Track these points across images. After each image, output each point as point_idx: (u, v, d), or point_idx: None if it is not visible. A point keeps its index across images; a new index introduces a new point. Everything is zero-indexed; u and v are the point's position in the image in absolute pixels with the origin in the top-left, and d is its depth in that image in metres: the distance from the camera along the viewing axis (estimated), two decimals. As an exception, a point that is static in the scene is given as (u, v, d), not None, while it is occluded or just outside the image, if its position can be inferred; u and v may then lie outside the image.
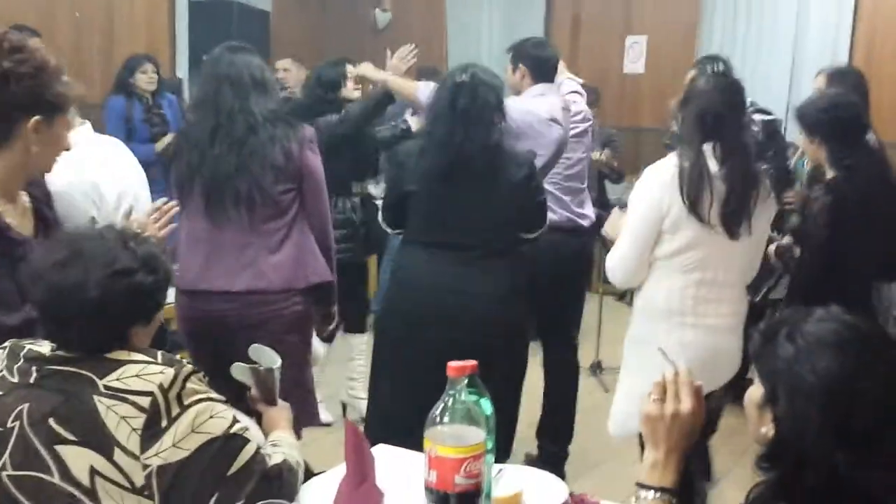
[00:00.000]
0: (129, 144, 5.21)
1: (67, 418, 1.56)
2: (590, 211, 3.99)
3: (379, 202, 5.05)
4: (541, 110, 3.58)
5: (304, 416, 2.73)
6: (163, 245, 2.26)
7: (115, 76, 5.44)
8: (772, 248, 3.19)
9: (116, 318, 1.62)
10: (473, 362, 1.68)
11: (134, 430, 1.54)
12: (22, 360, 1.63)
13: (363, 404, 4.28)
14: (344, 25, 8.34)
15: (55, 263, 1.62)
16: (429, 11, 8.22)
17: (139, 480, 1.55)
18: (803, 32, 6.86)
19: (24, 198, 2.04)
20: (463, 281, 2.89)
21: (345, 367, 4.46)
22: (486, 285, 2.90)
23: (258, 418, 1.99)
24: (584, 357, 5.24)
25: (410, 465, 1.84)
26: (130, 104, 5.32)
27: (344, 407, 4.44)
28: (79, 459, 1.56)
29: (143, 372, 1.57)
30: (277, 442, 1.83)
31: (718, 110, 2.60)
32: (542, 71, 3.71)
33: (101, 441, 1.54)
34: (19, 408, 1.59)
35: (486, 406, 1.70)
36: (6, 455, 1.59)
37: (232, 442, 1.60)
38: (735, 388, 2.86)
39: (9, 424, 1.59)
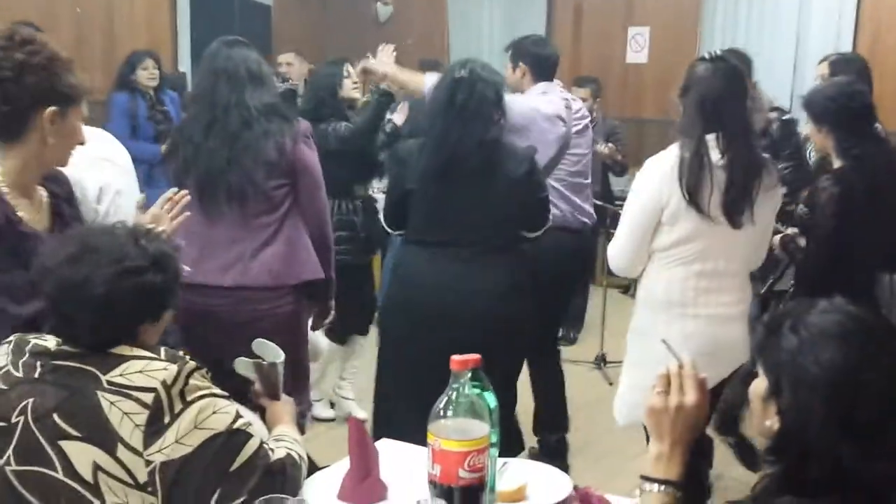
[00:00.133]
0: (135, 142, 5.27)
1: (71, 414, 1.57)
2: (591, 208, 3.98)
3: (379, 201, 5.06)
4: (545, 108, 3.58)
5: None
6: (176, 234, 2.26)
7: (116, 72, 5.43)
8: (776, 239, 3.18)
9: (123, 315, 1.62)
10: (477, 356, 1.68)
11: (137, 426, 1.54)
12: (27, 355, 1.64)
13: (349, 404, 4.29)
14: (345, 19, 8.33)
15: (65, 258, 1.63)
16: (430, 4, 8.20)
17: (142, 477, 1.55)
18: (806, 21, 6.84)
19: (42, 193, 2.04)
20: (463, 279, 2.89)
21: (371, 369, 4.45)
22: (485, 282, 2.90)
23: (262, 413, 1.99)
24: (589, 350, 5.26)
25: (414, 460, 1.84)
26: (134, 101, 5.31)
27: (331, 404, 4.43)
28: (82, 455, 1.56)
29: (146, 368, 1.57)
30: (281, 437, 1.83)
31: (718, 97, 2.58)
32: (543, 69, 3.70)
33: (104, 437, 1.55)
34: (24, 403, 1.59)
35: (490, 399, 1.70)
36: (10, 450, 1.59)
37: (235, 437, 1.60)
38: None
39: (13, 419, 1.60)
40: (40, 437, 1.57)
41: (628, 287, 6.46)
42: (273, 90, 2.83)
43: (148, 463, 1.54)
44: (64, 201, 2.11)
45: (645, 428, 2.04)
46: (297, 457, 1.75)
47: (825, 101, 3.04)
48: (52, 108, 1.91)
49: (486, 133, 2.84)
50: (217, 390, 1.63)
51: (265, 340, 2.06)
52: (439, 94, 2.91)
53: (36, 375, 1.61)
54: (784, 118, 4.18)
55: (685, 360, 1.52)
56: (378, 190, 5.63)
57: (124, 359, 1.59)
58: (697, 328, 2.62)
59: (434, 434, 1.63)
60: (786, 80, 6.75)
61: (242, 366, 2.00)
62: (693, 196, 2.54)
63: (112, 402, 1.55)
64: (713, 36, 7.16)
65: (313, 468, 1.92)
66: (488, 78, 2.89)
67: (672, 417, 1.48)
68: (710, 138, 2.58)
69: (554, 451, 3.75)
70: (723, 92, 2.59)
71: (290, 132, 2.73)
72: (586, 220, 3.88)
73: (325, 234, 2.89)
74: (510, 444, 2.97)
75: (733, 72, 2.66)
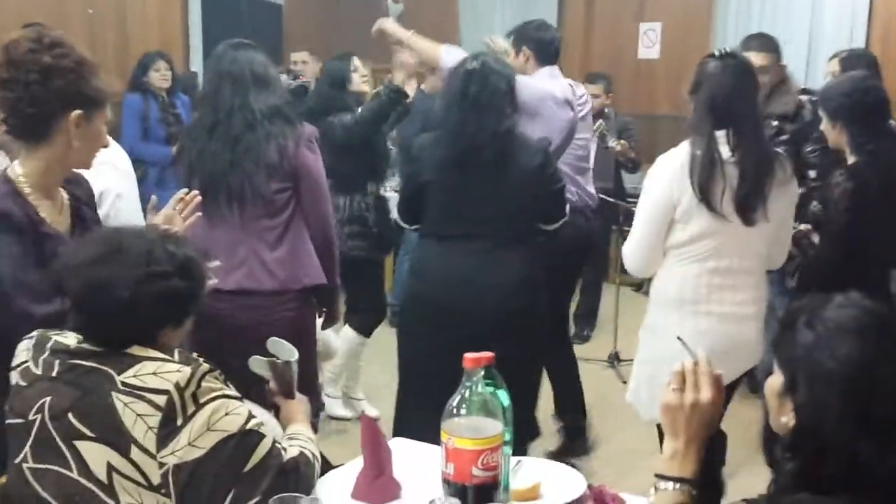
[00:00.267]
0: (146, 144, 5.28)
1: (86, 414, 1.57)
2: (593, 190, 4.02)
3: (389, 196, 5.05)
4: (556, 91, 3.58)
5: None
6: (186, 234, 2.27)
7: (129, 73, 5.45)
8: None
9: (145, 319, 1.63)
10: (490, 354, 1.67)
11: (150, 428, 1.54)
12: (48, 352, 1.64)
13: (360, 404, 4.28)
14: (356, 17, 8.30)
15: (91, 258, 1.63)
16: (441, 2, 8.19)
17: (156, 478, 1.55)
18: (819, 18, 6.81)
19: (63, 195, 2.05)
20: (475, 272, 2.88)
21: (376, 368, 4.44)
22: (497, 276, 2.88)
23: (276, 411, 1.99)
24: (602, 348, 5.25)
25: (427, 458, 1.84)
26: (146, 103, 5.33)
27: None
28: (96, 455, 1.56)
29: (159, 370, 1.58)
30: (294, 435, 1.83)
31: (728, 93, 2.57)
32: (546, 53, 3.69)
33: (118, 438, 1.55)
34: (41, 401, 1.60)
35: (504, 397, 1.69)
36: (27, 447, 1.61)
37: (247, 438, 1.60)
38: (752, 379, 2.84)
39: (30, 417, 1.61)
40: (56, 436, 1.58)
41: (641, 285, 6.43)
42: (279, 92, 2.81)
43: (161, 465, 1.54)
44: (84, 204, 2.12)
45: (659, 426, 2.02)
46: (310, 455, 1.75)
47: (840, 97, 3.02)
48: (77, 112, 1.92)
49: (499, 124, 2.84)
50: (229, 391, 1.63)
51: (279, 339, 2.06)
52: (452, 86, 2.90)
53: (54, 374, 1.62)
54: (815, 100, 4.15)
55: (700, 356, 1.51)
56: (391, 189, 5.64)
57: (138, 359, 1.60)
58: (710, 326, 2.60)
59: (447, 432, 1.63)
60: (798, 76, 6.68)
61: (257, 364, 2.00)
62: (705, 193, 2.53)
63: (126, 404, 1.55)
64: (725, 31, 7.12)
65: (327, 467, 1.92)
66: (500, 70, 2.90)
67: (687, 414, 1.47)
68: (720, 135, 2.56)
69: (572, 433, 3.78)
70: (732, 89, 2.58)
71: (293, 135, 2.72)
72: (590, 202, 3.94)
73: (328, 239, 2.86)
74: (527, 432, 2.97)
75: (743, 68, 2.64)
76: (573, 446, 3.78)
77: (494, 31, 8.00)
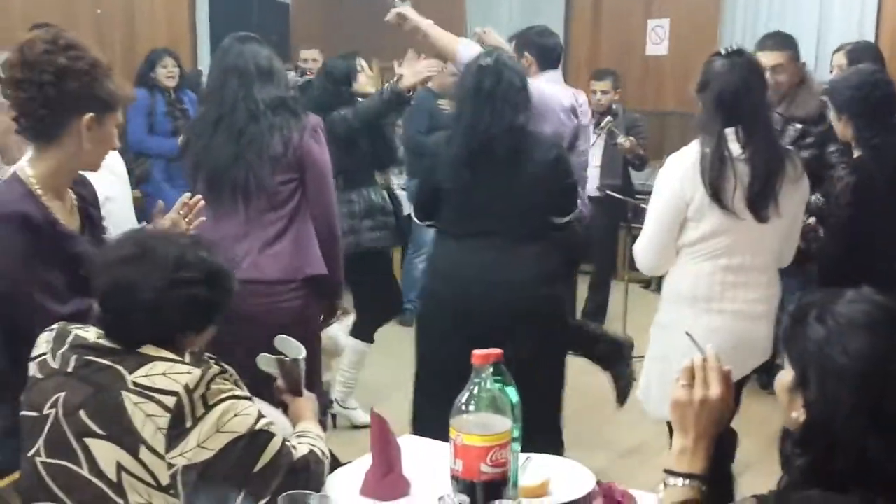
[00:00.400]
0: (152, 138, 5.29)
1: (97, 411, 1.58)
2: (587, 199, 4.04)
3: (400, 192, 5.04)
4: (563, 98, 3.58)
5: None
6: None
7: (136, 71, 5.46)
8: None
9: (167, 323, 1.63)
10: (498, 350, 1.66)
11: (159, 429, 1.54)
12: (66, 346, 1.65)
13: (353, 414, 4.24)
14: (364, 16, 8.30)
15: (121, 259, 1.64)
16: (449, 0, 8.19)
17: (164, 479, 1.55)
18: (828, 13, 6.77)
19: (72, 196, 2.06)
20: (490, 270, 2.87)
21: (381, 367, 4.41)
22: (512, 273, 2.88)
23: (284, 409, 1.99)
24: (610, 345, 5.23)
25: (436, 455, 1.84)
26: (153, 98, 5.34)
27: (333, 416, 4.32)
28: (106, 454, 1.57)
29: (170, 371, 1.58)
30: (303, 433, 1.84)
31: (736, 91, 2.56)
32: (549, 59, 3.69)
33: (127, 438, 1.56)
34: (56, 396, 1.61)
35: (512, 394, 1.69)
36: (41, 441, 1.62)
37: (257, 439, 1.60)
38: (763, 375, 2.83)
39: (45, 411, 1.62)
40: (68, 433, 1.59)
41: (649, 282, 6.41)
42: (284, 85, 2.81)
43: (170, 466, 1.55)
44: (91, 205, 2.13)
45: (669, 422, 2.02)
46: (319, 453, 1.75)
47: (848, 90, 3.00)
48: (90, 115, 1.92)
49: (514, 119, 2.84)
50: (239, 392, 1.63)
51: (287, 337, 2.06)
52: (466, 82, 2.91)
53: (69, 369, 1.63)
54: None
55: (709, 353, 1.50)
56: (398, 186, 5.64)
57: (150, 359, 1.60)
58: (723, 323, 2.60)
59: (456, 429, 1.62)
60: (806, 71, 6.69)
61: (265, 362, 2.00)
62: (716, 191, 2.52)
63: (135, 403, 1.55)
64: (734, 27, 7.09)
65: (336, 464, 1.92)
66: (514, 66, 2.91)
67: (696, 411, 1.47)
68: (730, 132, 2.56)
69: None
70: (740, 86, 2.57)
71: (298, 126, 2.72)
72: (585, 210, 3.92)
73: (332, 228, 2.87)
74: (550, 442, 2.93)
75: (750, 66, 2.64)
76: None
77: (502, 29, 7.99)
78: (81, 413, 1.58)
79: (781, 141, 2.98)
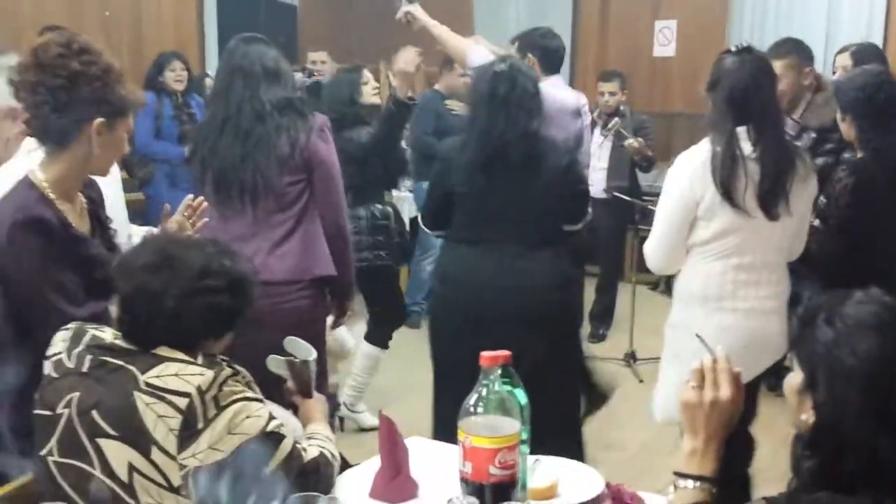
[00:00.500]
0: (158, 142, 5.29)
1: (109, 412, 1.59)
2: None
3: (404, 195, 5.03)
4: (569, 101, 3.58)
5: None
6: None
7: (144, 74, 5.47)
8: None
9: (187, 329, 1.64)
10: (506, 352, 1.66)
11: (171, 430, 1.55)
12: (83, 346, 1.66)
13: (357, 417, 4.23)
14: (371, 18, 8.32)
15: (146, 265, 1.65)
16: (456, 2, 8.18)
17: (176, 480, 1.56)
18: (836, 15, 6.75)
19: (81, 198, 2.07)
20: (504, 276, 2.86)
21: (389, 370, 4.41)
22: (526, 279, 2.87)
23: (294, 410, 1.99)
24: (618, 347, 5.23)
25: (445, 457, 1.84)
26: (160, 101, 5.35)
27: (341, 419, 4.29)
28: (118, 454, 1.58)
29: (182, 371, 1.59)
30: (313, 435, 1.84)
31: (747, 88, 2.55)
32: (552, 62, 3.69)
33: (139, 438, 1.56)
34: (70, 396, 1.62)
35: (521, 396, 1.69)
36: (54, 440, 1.63)
37: (268, 441, 1.60)
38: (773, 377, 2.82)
39: (58, 410, 1.63)
40: (81, 433, 1.60)
41: (657, 283, 6.41)
42: (291, 86, 2.81)
43: (182, 467, 1.55)
44: (99, 206, 2.14)
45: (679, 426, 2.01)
46: (329, 456, 1.75)
47: (852, 91, 2.99)
48: (100, 119, 1.93)
49: (528, 125, 2.84)
50: (250, 393, 1.63)
51: (296, 338, 2.06)
52: (480, 88, 2.90)
53: (84, 369, 1.64)
54: None
55: (719, 354, 1.50)
56: (404, 188, 5.64)
57: (162, 359, 1.61)
58: (735, 322, 2.60)
59: (464, 431, 1.62)
60: (815, 73, 6.67)
61: (275, 364, 2.00)
62: (727, 190, 2.52)
63: (147, 404, 1.56)
64: (741, 29, 7.08)
65: (345, 466, 1.92)
66: (528, 72, 2.91)
67: (706, 412, 1.46)
68: (741, 131, 2.56)
69: None
70: (751, 84, 2.57)
71: (305, 127, 2.72)
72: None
73: (341, 229, 2.86)
74: (567, 447, 2.91)
75: (761, 63, 2.64)
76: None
77: (509, 30, 8.01)
78: (94, 413, 1.59)
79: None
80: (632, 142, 5.25)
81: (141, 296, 1.63)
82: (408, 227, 4.56)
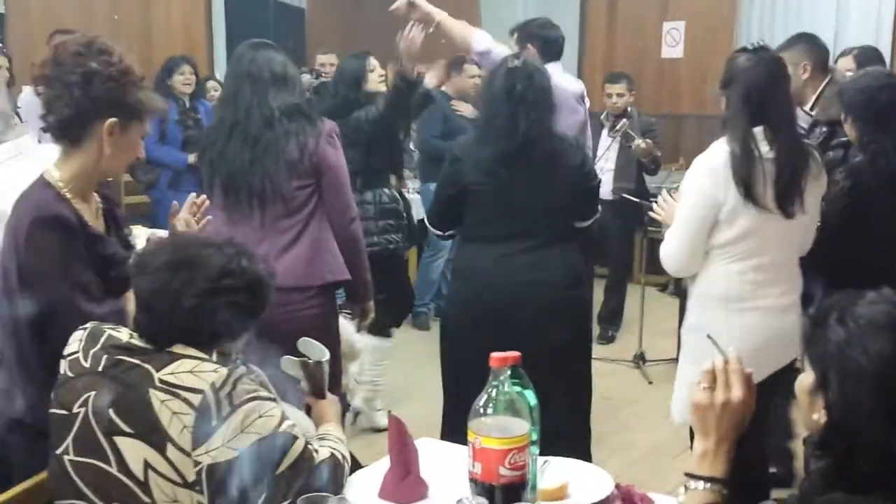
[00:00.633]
0: (162, 147, 5.31)
1: (125, 410, 1.60)
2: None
3: (411, 197, 5.03)
4: (574, 88, 3.58)
5: None
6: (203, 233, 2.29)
7: (153, 79, 5.49)
8: None
9: (203, 329, 1.65)
10: (516, 353, 1.66)
11: (186, 426, 1.56)
12: (99, 346, 1.67)
13: (374, 416, 4.22)
14: (378, 21, 8.33)
15: (166, 263, 1.66)
16: (462, 3, 8.19)
17: (191, 476, 1.57)
18: (844, 16, 6.75)
19: (96, 198, 2.08)
20: (524, 272, 2.85)
21: (397, 370, 4.41)
22: (544, 275, 2.87)
23: (307, 411, 2.00)
24: (627, 349, 5.22)
25: (454, 457, 1.84)
26: (167, 105, 5.36)
27: (356, 414, 4.29)
28: (134, 452, 1.59)
29: (196, 368, 1.60)
30: (325, 436, 1.85)
31: (763, 88, 2.55)
32: (552, 51, 3.69)
33: (154, 435, 1.57)
34: (86, 395, 1.63)
35: (530, 397, 1.68)
36: (69, 439, 1.64)
37: (280, 441, 1.61)
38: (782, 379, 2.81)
39: (74, 409, 1.64)
40: (97, 431, 1.61)
41: (666, 285, 6.40)
42: (299, 91, 2.81)
43: (196, 463, 1.56)
44: (115, 206, 2.16)
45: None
46: (340, 457, 1.76)
47: (854, 92, 2.99)
48: (112, 119, 1.94)
49: (550, 122, 2.84)
50: (264, 392, 1.64)
51: (310, 339, 2.06)
52: (494, 85, 2.88)
53: (100, 368, 1.65)
54: None
55: (731, 355, 1.49)
56: (413, 189, 5.64)
57: (177, 356, 1.62)
58: (755, 321, 2.60)
59: (474, 432, 1.62)
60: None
61: (289, 365, 2.00)
62: (749, 190, 2.52)
63: (162, 401, 1.57)
64: (749, 30, 7.07)
65: (356, 466, 1.93)
66: (542, 68, 2.90)
67: (718, 413, 1.46)
68: (758, 131, 2.55)
69: None
70: (767, 83, 2.57)
71: (313, 132, 2.73)
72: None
73: (351, 233, 2.86)
74: (576, 445, 2.90)
75: (776, 62, 2.64)
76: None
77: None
78: (111, 412, 1.60)
79: (808, 140, 2.97)
80: (640, 143, 5.24)
81: (160, 294, 1.64)
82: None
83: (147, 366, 1.61)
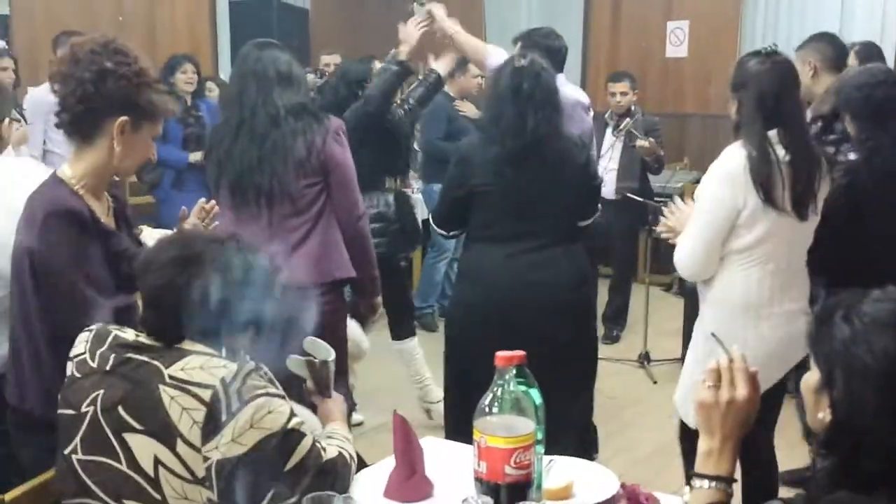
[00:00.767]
0: (163, 146, 5.31)
1: (135, 407, 1.60)
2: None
3: (415, 197, 5.02)
4: (581, 97, 3.59)
5: None
6: None
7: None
8: None
9: (210, 325, 1.64)
10: (521, 352, 1.67)
11: (196, 422, 1.56)
12: (106, 346, 1.68)
13: (438, 406, 4.22)
14: (382, 21, 8.34)
15: (170, 260, 1.67)
16: (467, 3, 8.18)
17: (200, 472, 1.58)
18: (849, 16, 6.73)
19: (107, 197, 2.10)
20: (532, 271, 2.86)
21: (402, 370, 4.39)
22: (551, 274, 2.87)
23: (313, 410, 2.00)
24: (631, 349, 5.22)
25: (460, 457, 1.84)
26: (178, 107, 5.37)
27: (427, 412, 4.31)
28: (144, 448, 1.59)
29: (206, 364, 1.60)
30: (332, 434, 1.85)
31: (777, 92, 2.56)
32: (555, 60, 3.68)
33: (164, 431, 1.58)
34: (94, 394, 1.64)
35: (536, 396, 1.69)
36: (77, 438, 1.65)
37: (289, 437, 1.61)
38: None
39: (82, 409, 1.65)
40: (106, 429, 1.62)
41: (670, 284, 6.40)
42: (304, 90, 2.82)
43: (205, 459, 1.57)
44: (125, 205, 2.17)
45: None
46: (347, 456, 1.76)
47: (851, 89, 2.98)
48: (123, 118, 1.96)
49: (557, 121, 2.84)
50: (272, 389, 1.64)
51: (316, 339, 2.06)
52: (501, 84, 2.86)
53: (108, 367, 1.65)
54: None
55: (735, 353, 1.50)
56: (417, 190, 5.64)
57: (186, 352, 1.63)
58: (774, 327, 2.61)
59: (480, 431, 1.62)
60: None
61: (294, 364, 2.01)
62: (768, 194, 2.53)
63: (172, 397, 1.58)
64: (754, 30, 7.07)
65: (362, 465, 1.93)
66: (548, 68, 2.90)
67: (723, 412, 1.46)
68: (772, 134, 2.56)
69: None
70: (780, 88, 2.57)
71: (320, 130, 2.74)
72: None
73: (358, 230, 2.87)
74: (584, 448, 2.90)
75: (788, 67, 2.64)
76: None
77: (520, 32, 8.01)
78: (120, 409, 1.61)
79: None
80: (643, 142, 5.23)
81: (167, 291, 1.64)
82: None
83: (156, 362, 1.62)
